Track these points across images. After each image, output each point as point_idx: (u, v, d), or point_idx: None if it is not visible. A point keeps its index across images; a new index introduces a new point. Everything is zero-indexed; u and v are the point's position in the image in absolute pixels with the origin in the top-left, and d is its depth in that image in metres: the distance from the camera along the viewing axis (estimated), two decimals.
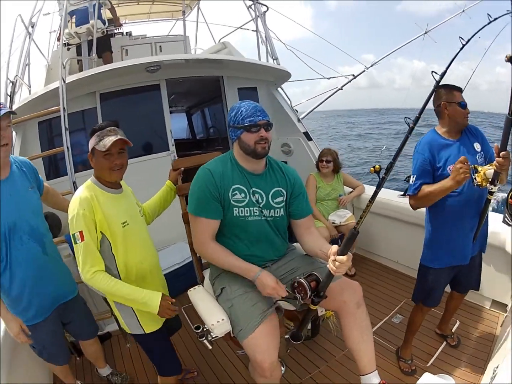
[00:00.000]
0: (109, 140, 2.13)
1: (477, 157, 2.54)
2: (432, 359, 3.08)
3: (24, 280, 2.33)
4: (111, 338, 3.77)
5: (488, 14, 2.26)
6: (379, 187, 1.91)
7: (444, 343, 3.23)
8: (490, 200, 2.47)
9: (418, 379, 2.10)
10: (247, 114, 2.16)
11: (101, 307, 3.59)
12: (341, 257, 1.89)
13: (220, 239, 2.33)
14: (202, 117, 9.67)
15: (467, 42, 2.11)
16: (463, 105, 2.51)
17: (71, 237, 2.09)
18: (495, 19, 2.21)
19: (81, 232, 2.06)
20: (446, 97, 2.55)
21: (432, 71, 2.05)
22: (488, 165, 2.25)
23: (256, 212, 2.31)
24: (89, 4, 5.26)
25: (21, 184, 2.40)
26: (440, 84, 2.28)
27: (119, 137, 2.17)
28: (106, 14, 6.06)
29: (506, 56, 2.11)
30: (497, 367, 2.03)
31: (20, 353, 2.75)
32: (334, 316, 2.30)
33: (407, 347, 3.05)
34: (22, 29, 4.70)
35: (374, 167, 2.02)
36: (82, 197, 2.12)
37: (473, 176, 2.22)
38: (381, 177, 1.93)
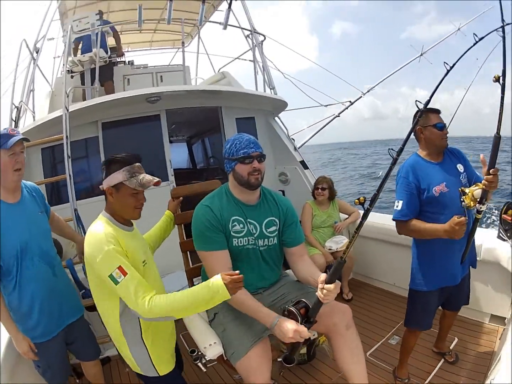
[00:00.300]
0: (147, 181, 2.06)
1: (460, 177, 2.58)
2: (430, 377, 3.08)
3: (33, 299, 2.39)
4: (110, 362, 3.80)
5: (474, 34, 2.27)
6: (364, 217, 1.94)
7: (442, 360, 3.23)
8: (479, 219, 2.46)
9: None
10: (241, 146, 2.24)
11: (101, 332, 3.56)
12: (328, 285, 1.93)
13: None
14: (202, 146, 9.75)
15: (451, 68, 2.14)
16: (439, 127, 2.53)
17: (109, 278, 1.86)
18: (480, 39, 2.23)
19: (120, 268, 1.88)
20: (421, 121, 2.53)
21: (416, 100, 2.02)
22: (474, 185, 2.33)
23: (252, 241, 2.39)
24: (91, 33, 5.40)
25: (32, 208, 2.50)
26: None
27: (156, 179, 2.10)
28: (110, 42, 6.21)
29: (494, 77, 2.22)
30: (493, 378, 2.05)
31: (20, 373, 2.79)
32: (327, 340, 2.34)
33: (403, 367, 3.05)
34: (26, 53, 4.78)
35: (359, 199, 2.02)
36: (108, 233, 1.97)
37: (461, 199, 2.30)
38: (365, 208, 1.94)
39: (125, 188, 2.05)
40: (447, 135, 2.58)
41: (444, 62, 2.14)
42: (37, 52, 4.88)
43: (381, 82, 7.50)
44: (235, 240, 2.35)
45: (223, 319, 2.35)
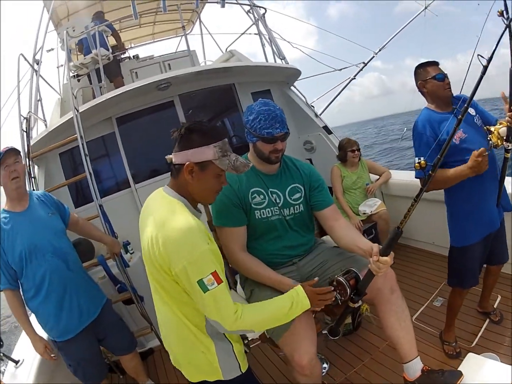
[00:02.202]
0: (241, 163, 1.79)
1: (474, 120, 2.52)
2: (476, 339, 3.00)
3: (49, 294, 2.53)
4: (154, 354, 3.82)
5: None
6: (425, 185, 1.95)
7: (487, 321, 3.15)
8: (508, 158, 2.39)
9: (462, 361, 2.07)
10: (265, 125, 2.14)
11: (140, 323, 3.66)
12: (384, 258, 1.88)
13: (247, 242, 2.35)
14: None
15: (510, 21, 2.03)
16: (439, 78, 2.50)
17: (198, 284, 1.57)
18: None
19: (214, 274, 1.60)
20: (421, 76, 2.58)
21: (478, 55, 1.94)
22: (498, 124, 2.24)
23: (276, 212, 2.35)
24: (87, 35, 5.40)
25: (42, 210, 2.68)
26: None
27: (250, 163, 1.84)
28: (111, 41, 6.20)
29: (498, 11, 2.10)
30: None
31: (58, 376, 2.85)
32: (368, 309, 2.27)
33: (450, 330, 2.97)
34: (27, 67, 4.83)
35: (419, 163, 2.04)
36: (198, 227, 1.65)
37: (488, 138, 2.22)
38: (426, 174, 1.96)
39: (213, 168, 1.74)
40: (450, 84, 2.53)
41: (500, 14, 2.05)
42: (37, 64, 4.89)
43: (391, 39, 7.27)
44: (257, 213, 2.32)
45: (260, 295, 2.25)
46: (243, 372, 1.89)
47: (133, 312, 3.65)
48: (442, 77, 2.49)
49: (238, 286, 2.66)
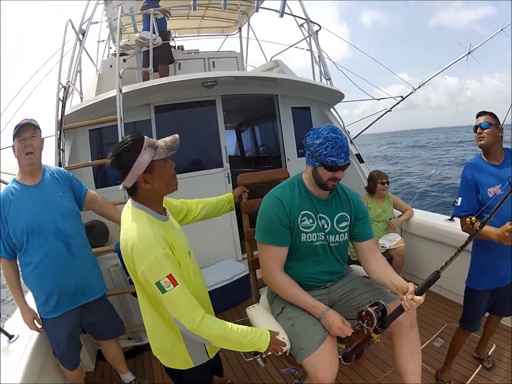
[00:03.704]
0: (171, 141, 1.89)
1: None
2: (468, 381, 3.07)
3: (44, 274, 2.54)
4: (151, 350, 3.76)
5: None
6: (471, 238, 1.98)
7: (480, 366, 3.21)
8: None
9: None
10: (332, 153, 2.13)
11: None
12: (419, 297, 1.90)
13: (286, 261, 2.35)
14: (252, 134, 9.75)
15: None
16: (474, 129, 2.61)
17: (156, 286, 1.73)
18: None
19: (170, 276, 1.75)
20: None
21: None
22: None
23: (321, 237, 2.34)
24: (144, 16, 5.44)
25: (52, 188, 2.65)
26: None
27: (176, 135, 1.94)
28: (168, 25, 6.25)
29: None
30: None
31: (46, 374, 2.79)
32: (379, 336, 2.28)
33: (447, 369, 3.06)
34: (72, 34, 4.82)
35: (471, 218, 2.13)
36: (157, 234, 1.81)
37: None
38: (475, 229, 2.00)
39: (157, 163, 1.84)
40: (491, 133, 2.57)
41: None
42: (82, 34, 4.90)
43: (432, 78, 7.42)
44: (303, 236, 2.31)
45: (292, 313, 2.28)
46: (211, 358, 2.17)
47: (138, 306, 3.56)
48: (475, 128, 2.61)
49: (264, 300, 2.65)
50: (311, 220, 2.31)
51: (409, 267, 4.71)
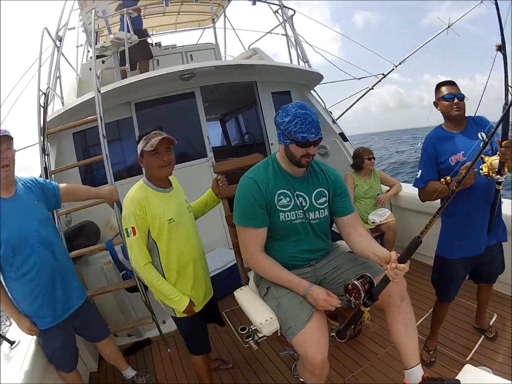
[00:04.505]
0: (155, 140, 2.38)
1: (481, 145, 2.48)
2: (471, 353, 3.06)
3: (36, 285, 2.50)
4: (151, 344, 3.80)
5: None
6: (448, 199, 1.96)
7: (482, 337, 3.20)
8: (499, 190, 2.45)
9: (458, 373, 2.08)
10: (301, 129, 2.08)
11: (140, 313, 3.62)
12: (402, 265, 1.88)
13: (267, 243, 2.33)
14: (236, 124, 9.72)
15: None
16: (447, 97, 2.55)
17: (124, 231, 2.40)
18: None
19: (133, 228, 2.35)
20: (435, 95, 2.68)
21: (510, 86, 2.02)
22: (496, 155, 2.24)
23: (300, 215, 2.31)
24: (105, 19, 5.40)
25: (28, 198, 2.60)
26: None
27: (164, 135, 2.43)
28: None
29: (496, 45, 2.16)
30: None
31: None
32: (369, 317, 2.27)
33: (433, 338, 3.09)
34: (49, 42, 4.78)
35: (445, 178, 2.14)
36: (135, 197, 2.40)
37: (480, 166, 2.25)
38: (451, 189, 2.00)
39: (146, 153, 2.44)
40: (464, 105, 2.57)
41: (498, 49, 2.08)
42: (59, 41, 4.84)
43: (412, 54, 7.31)
44: (281, 215, 2.27)
45: (276, 293, 2.26)
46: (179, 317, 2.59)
47: (134, 301, 3.61)
48: (451, 97, 2.55)
49: (251, 283, 2.64)
50: (288, 199, 2.27)
51: (402, 241, 4.62)
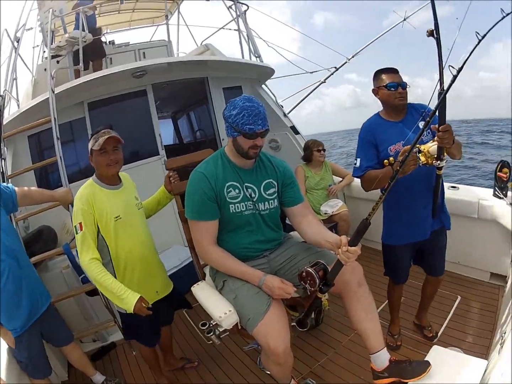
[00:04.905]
0: (102, 139, 2.41)
1: (422, 135, 2.47)
2: (438, 335, 3.15)
3: (7, 293, 2.44)
4: (116, 348, 3.74)
5: (501, 9, 1.96)
6: (393, 179, 1.97)
7: (448, 318, 3.31)
8: (441, 175, 2.44)
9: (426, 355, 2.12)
10: (248, 121, 2.10)
11: (102, 317, 3.55)
12: (353, 248, 1.91)
13: (219, 235, 2.35)
14: (188, 121, 9.67)
15: (483, 37, 1.97)
16: (390, 86, 2.49)
17: (73, 228, 2.41)
18: (508, 14, 1.95)
19: (80, 224, 2.37)
20: (375, 82, 2.60)
21: (449, 65, 1.93)
22: (430, 141, 2.25)
23: (250, 206, 2.32)
24: (61, 18, 5.33)
25: None
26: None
27: (111, 134, 2.46)
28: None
29: (427, 31, 2.13)
30: (504, 332, 2.04)
31: None
32: (327, 304, 2.29)
33: (394, 323, 3.17)
34: (7, 43, 4.70)
35: (388, 159, 2.18)
36: (83, 194, 2.44)
37: (418, 156, 2.23)
38: (394, 171, 1.99)
39: (94, 152, 2.46)
40: (407, 93, 2.54)
41: (476, 32, 1.97)
42: (17, 42, 4.74)
43: (366, 46, 7.31)
44: (231, 206, 2.29)
45: (232, 285, 2.27)
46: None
47: (95, 304, 3.53)
48: (395, 86, 2.49)
49: (208, 278, 2.63)
50: (237, 191, 2.29)
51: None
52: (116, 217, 2.48)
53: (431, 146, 2.20)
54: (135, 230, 2.61)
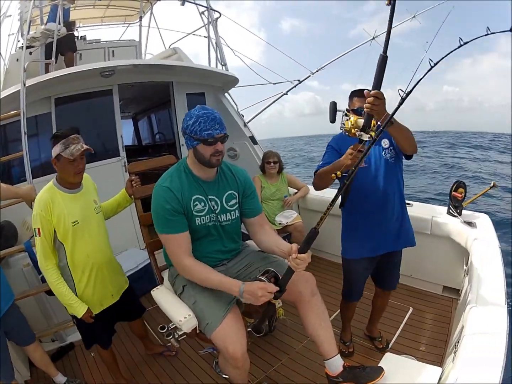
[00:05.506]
0: (76, 149, 2.38)
1: (383, 153, 2.57)
2: (391, 343, 3.26)
3: None
4: (75, 348, 3.67)
5: (460, 38, 2.06)
6: (340, 191, 2.02)
7: (401, 327, 3.42)
8: (363, 151, 2.08)
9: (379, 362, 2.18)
10: (206, 127, 2.13)
11: (61, 317, 3.49)
12: (302, 255, 1.97)
13: None
14: (148, 123, 9.67)
15: (435, 64, 1.93)
16: (356, 112, 2.41)
17: (33, 230, 2.42)
18: (465, 43, 1.88)
19: (38, 229, 2.38)
20: (349, 103, 2.58)
21: (399, 89, 1.89)
22: (361, 117, 2.17)
23: (213, 218, 2.35)
24: (40, 9, 5.13)
25: None
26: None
27: (84, 147, 2.44)
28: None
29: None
30: (457, 342, 2.10)
31: None
32: (283, 313, 2.35)
33: (346, 330, 3.25)
34: None
35: (336, 173, 2.09)
36: (42, 199, 2.41)
37: (342, 122, 2.24)
38: (342, 183, 2.02)
39: (63, 158, 2.39)
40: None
41: (429, 59, 1.93)
42: None
43: (331, 62, 7.36)
44: (197, 219, 2.30)
45: (192, 291, 2.31)
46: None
47: (54, 304, 3.45)
48: (360, 113, 2.37)
49: (166, 282, 2.65)
50: (202, 204, 2.30)
51: (314, 242, 4.80)
52: (74, 222, 2.48)
53: (359, 119, 2.16)
54: (93, 235, 2.63)
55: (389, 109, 2.00)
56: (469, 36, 1.92)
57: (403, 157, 2.58)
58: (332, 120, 2.06)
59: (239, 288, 2.06)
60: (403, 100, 1.91)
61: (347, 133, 2.22)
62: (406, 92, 1.90)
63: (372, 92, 1.96)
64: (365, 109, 2.01)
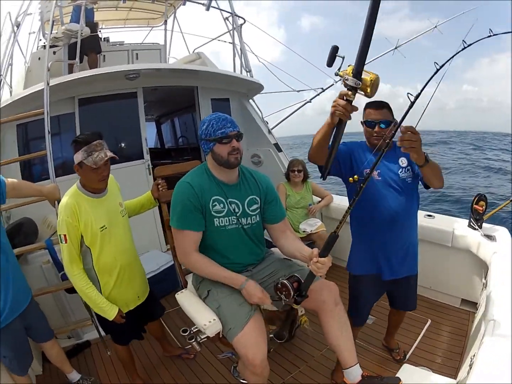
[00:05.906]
0: (99, 158, 2.31)
1: (399, 171, 2.43)
2: (408, 355, 3.19)
3: None
4: (91, 346, 3.64)
5: (463, 41, 1.96)
6: (358, 195, 1.98)
7: (419, 338, 3.36)
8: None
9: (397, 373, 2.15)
10: (218, 126, 2.17)
11: (79, 315, 3.45)
12: (323, 259, 1.99)
13: (206, 252, 2.34)
14: (171, 126, 9.63)
15: (441, 67, 1.94)
16: (368, 124, 2.41)
17: (58, 236, 2.35)
18: (469, 45, 1.97)
19: (65, 236, 2.31)
20: (363, 114, 2.48)
21: (408, 93, 1.88)
22: None
23: (233, 221, 2.33)
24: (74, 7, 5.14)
25: None
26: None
27: (108, 155, 2.36)
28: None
29: None
30: (473, 355, 2.05)
31: None
32: (307, 322, 2.32)
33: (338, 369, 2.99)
34: (7, 27, 4.65)
35: (353, 177, 2.14)
36: (67, 205, 2.33)
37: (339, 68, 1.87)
38: (358, 187, 1.99)
39: (86, 166, 2.31)
40: (381, 134, 2.34)
41: (435, 62, 1.95)
42: (17, 27, 4.70)
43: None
44: (216, 220, 2.30)
45: (217, 296, 2.29)
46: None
47: (72, 302, 3.44)
48: (372, 125, 2.40)
49: (190, 286, 2.63)
50: (222, 205, 2.29)
51: (333, 251, 4.73)
52: (102, 227, 2.43)
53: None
54: (120, 238, 2.60)
55: (400, 113, 1.97)
56: (474, 38, 1.96)
57: (422, 184, 2.48)
58: (329, 63, 1.91)
59: (241, 283, 2.19)
60: (412, 103, 1.89)
61: (340, 79, 1.86)
62: (415, 95, 1.90)
63: (405, 127, 1.88)
64: (402, 148, 1.91)
